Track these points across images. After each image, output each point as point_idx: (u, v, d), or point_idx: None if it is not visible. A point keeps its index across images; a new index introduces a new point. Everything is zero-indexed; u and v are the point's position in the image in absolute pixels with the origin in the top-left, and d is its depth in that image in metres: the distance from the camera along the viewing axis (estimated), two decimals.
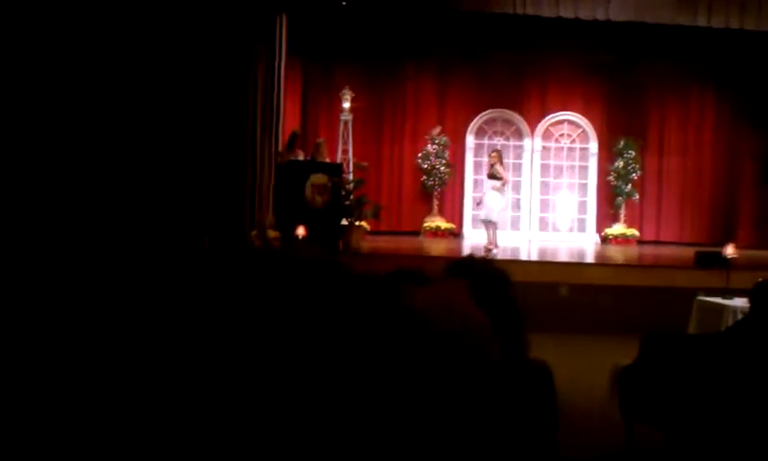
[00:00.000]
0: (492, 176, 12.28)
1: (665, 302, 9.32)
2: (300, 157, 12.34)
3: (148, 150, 10.24)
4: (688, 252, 11.81)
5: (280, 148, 12.41)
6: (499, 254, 11.63)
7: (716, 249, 10.24)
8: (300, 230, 10.02)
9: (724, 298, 7.90)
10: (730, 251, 8.87)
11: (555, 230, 15.71)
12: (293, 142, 12.43)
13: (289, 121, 13.88)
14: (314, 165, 11.90)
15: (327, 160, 12.64)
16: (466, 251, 13.18)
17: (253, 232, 10.17)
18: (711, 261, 9.90)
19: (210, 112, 10.43)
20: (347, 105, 14.93)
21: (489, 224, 12.26)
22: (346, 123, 14.94)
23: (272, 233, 10.13)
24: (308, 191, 11.24)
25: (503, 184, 12.29)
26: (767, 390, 3.30)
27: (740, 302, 7.33)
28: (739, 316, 6.94)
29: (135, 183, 10.13)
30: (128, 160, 10.19)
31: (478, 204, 12.82)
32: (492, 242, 12.14)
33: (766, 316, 3.76)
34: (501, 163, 12.42)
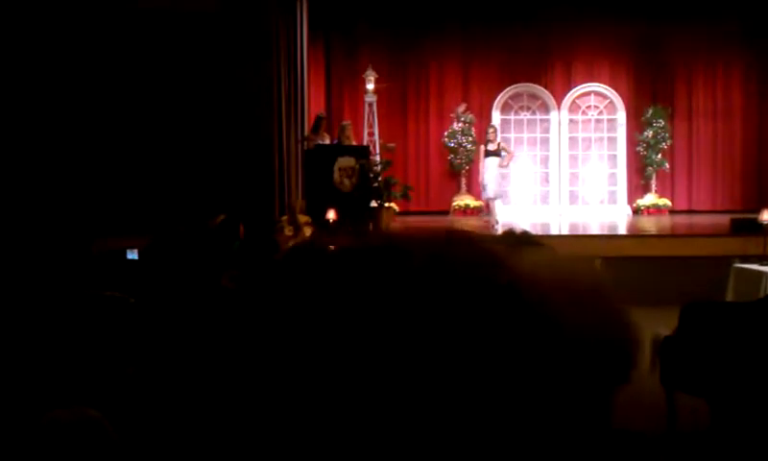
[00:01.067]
0: (497, 153, 12.28)
1: (701, 271, 9.22)
2: (327, 141, 12.34)
3: (174, 138, 10.31)
4: (723, 219, 11.67)
5: (306, 132, 12.43)
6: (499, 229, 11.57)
7: (751, 215, 10.10)
8: (331, 214, 10.04)
9: (761, 264, 7.80)
10: (766, 216, 8.73)
11: (585, 203, 15.57)
12: (318, 126, 12.44)
13: (313, 105, 13.88)
14: (341, 149, 11.90)
15: (353, 143, 12.63)
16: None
17: (284, 217, 10.21)
18: (747, 228, 9.77)
19: (235, 99, 10.46)
20: (371, 86, 14.88)
21: (491, 200, 12.31)
22: (370, 104, 14.90)
23: (302, 218, 10.16)
24: (336, 175, 11.25)
25: (510, 159, 12.62)
26: None
27: None
28: None
29: (164, 172, 10.22)
30: (156, 149, 10.27)
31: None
32: (494, 218, 12.11)
33: None
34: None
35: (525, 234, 2.15)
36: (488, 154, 12.39)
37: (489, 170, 12.28)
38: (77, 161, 10.22)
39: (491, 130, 12.95)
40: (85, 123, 10.31)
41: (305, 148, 12.07)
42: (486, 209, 12.96)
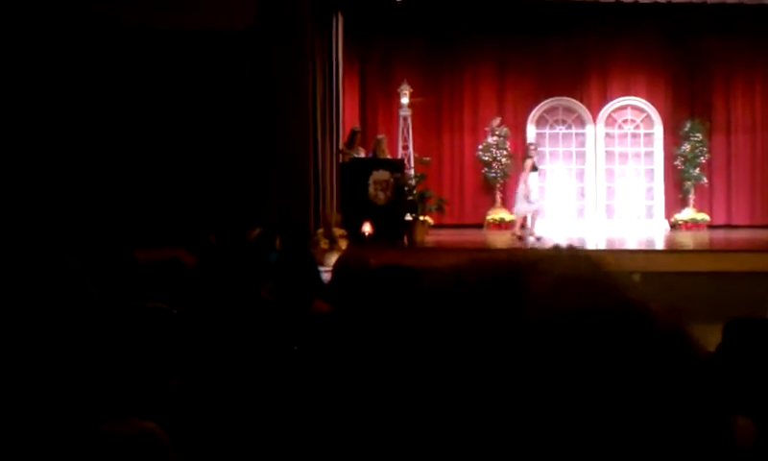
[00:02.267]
0: (536, 167, 12.91)
1: (741, 286, 9.08)
2: (362, 155, 12.39)
3: (213, 152, 10.42)
4: (762, 234, 11.50)
5: (341, 146, 12.49)
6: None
7: None
8: (367, 227, 10.06)
9: None
10: None
11: (622, 217, 15.42)
12: (353, 140, 12.50)
13: (348, 119, 13.95)
14: (376, 162, 11.95)
15: (388, 156, 12.66)
16: (530, 242, 13.05)
17: (320, 230, 10.26)
18: None
19: (272, 114, 10.55)
20: (405, 100, 14.92)
21: (535, 213, 12.90)
22: (405, 118, 14.93)
23: (338, 231, 10.19)
24: (371, 188, 11.28)
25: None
26: None
27: None
28: None
29: (203, 185, 10.33)
30: (195, 162, 10.40)
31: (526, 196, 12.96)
32: (534, 232, 12.64)
33: None
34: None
35: (573, 249, 2.12)
36: (534, 168, 12.81)
37: (535, 183, 12.65)
38: (120, 171, 10.38)
39: (533, 145, 13.51)
40: (127, 136, 10.48)
41: (340, 161, 12.13)
42: (521, 223, 13.01)
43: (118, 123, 10.48)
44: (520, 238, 12.48)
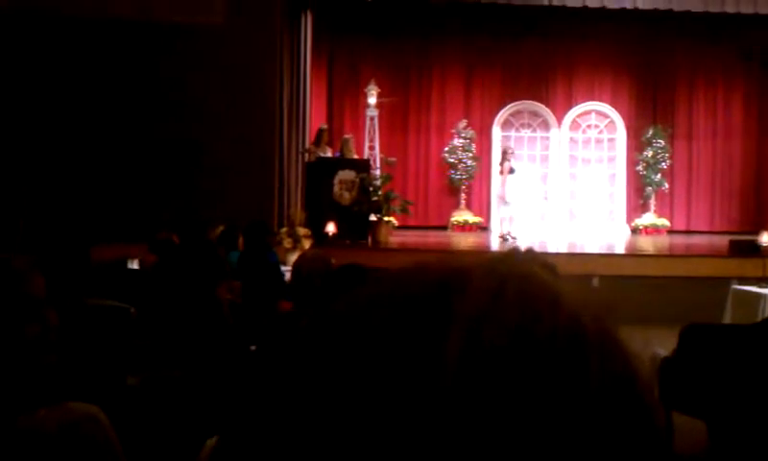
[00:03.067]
0: (513, 170, 13.15)
1: (699, 291, 9.23)
2: (328, 154, 12.36)
3: (174, 147, 10.33)
4: (721, 240, 11.69)
5: (308, 144, 12.45)
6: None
7: (750, 237, 10.12)
8: (331, 227, 10.05)
9: (760, 286, 7.81)
10: (764, 238, 8.76)
11: (584, 221, 15.59)
12: (320, 138, 12.47)
13: (315, 118, 13.91)
14: (342, 162, 11.92)
15: (355, 156, 12.66)
16: (494, 244, 13.15)
17: (284, 229, 10.21)
18: (746, 250, 9.79)
19: (237, 110, 10.49)
20: (372, 100, 14.93)
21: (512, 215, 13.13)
22: (372, 118, 14.94)
23: (302, 230, 10.16)
24: (336, 188, 11.27)
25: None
26: None
27: None
28: None
29: (163, 181, 10.23)
30: (155, 157, 10.29)
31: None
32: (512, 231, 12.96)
33: None
34: None
35: (531, 252, 2.15)
36: (511, 171, 13.16)
37: (512, 186, 13.07)
38: (74, 168, 10.24)
39: (511, 149, 13.81)
40: (83, 132, 10.34)
41: (306, 160, 12.09)
42: (501, 224, 13.39)
43: (80, 119, 10.34)
44: (504, 239, 12.77)
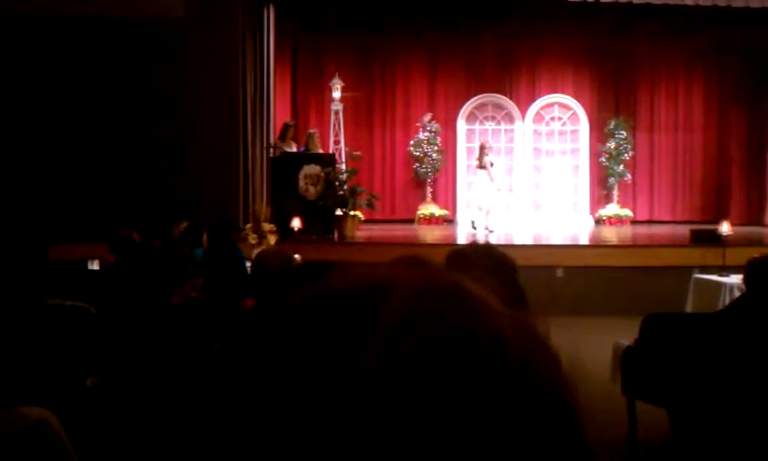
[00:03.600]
0: (491, 164, 13.37)
1: (662, 281, 9.35)
2: (293, 149, 12.30)
3: (137, 143, 10.22)
4: (683, 230, 11.85)
5: (272, 140, 12.38)
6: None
7: (710, 226, 10.27)
8: (296, 222, 10.01)
9: (720, 275, 7.93)
10: (724, 228, 8.90)
11: (548, 213, 15.72)
12: (285, 133, 12.39)
13: (280, 112, 13.84)
14: (306, 156, 11.87)
15: (320, 151, 12.61)
16: (461, 237, 13.21)
17: (249, 225, 10.15)
18: (707, 239, 9.93)
19: (200, 106, 10.40)
20: (337, 94, 14.90)
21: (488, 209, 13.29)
22: (336, 112, 14.91)
23: (267, 226, 10.11)
24: (302, 182, 11.22)
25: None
26: (764, 367, 3.32)
27: (736, 279, 7.36)
28: (736, 293, 6.97)
29: (127, 177, 10.11)
30: (119, 154, 10.17)
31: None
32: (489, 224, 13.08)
33: (761, 293, 3.78)
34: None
35: (488, 245, 2.16)
36: (491, 165, 13.43)
37: (486, 182, 13.28)
38: (35, 167, 10.08)
39: (489, 144, 14.01)
40: (44, 130, 10.18)
41: (271, 156, 12.02)
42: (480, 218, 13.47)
43: (39, 117, 10.17)
44: (490, 230, 12.95)
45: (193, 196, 9.87)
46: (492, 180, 13.36)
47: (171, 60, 10.37)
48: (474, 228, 13.06)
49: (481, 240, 11.41)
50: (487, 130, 15.89)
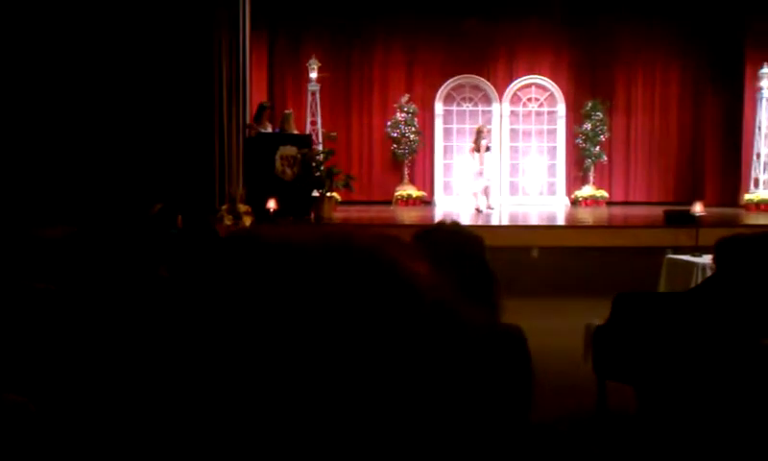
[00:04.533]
0: (488, 147, 13.70)
1: (636, 261, 9.44)
2: (269, 130, 12.24)
3: (112, 125, 10.12)
4: (657, 211, 11.95)
5: (248, 121, 12.31)
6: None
7: (684, 207, 10.37)
8: (272, 204, 9.98)
9: (693, 255, 8.01)
10: (697, 209, 8.98)
11: (525, 194, 15.79)
12: (261, 114, 12.33)
13: (256, 93, 13.75)
14: (283, 137, 11.82)
15: (296, 132, 12.57)
16: (438, 217, 13.25)
17: (224, 206, 10.12)
18: (680, 220, 10.03)
19: (175, 86, 10.31)
20: (314, 75, 14.83)
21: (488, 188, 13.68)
22: (313, 93, 14.85)
23: (242, 207, 10.08)
24: (278, 164, 11.19)
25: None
26: (732, 346, 3.37)
27: (708, 259, 7.43)
28: (708, 272, 7.05)
29: (101, 157, 10.03)
30: (93, 136, 10.07)
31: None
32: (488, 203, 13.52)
33: (729, 272, 3.83)
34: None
35: (456, 225, 2.18)
36: (488, 149, 13.70)
37: (488, 162, 13.67)
38: (10, 149, 9.96)
39: (486, 128, 14.26)
40: (21, 111, 10.05)
41: (247, 136, 11.96)
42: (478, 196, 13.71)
43: (12, 98, 10.03)
44: (479, 211, 13.21)
45: (168, 178, 9.80)
46: (481, 163, 13.52)
47: (145, 40, 10.26)
48: (480, 211, 13.24)
49: (448, 220, 11.48)
50: (464, 111, 15.91)
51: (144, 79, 10.21)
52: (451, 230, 2.06)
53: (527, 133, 15.97)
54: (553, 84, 15.94)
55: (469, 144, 14.18)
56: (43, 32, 10.11)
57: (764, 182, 14.31)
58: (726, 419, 3.34)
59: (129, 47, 10.19)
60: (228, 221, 9.64)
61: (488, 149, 13.72)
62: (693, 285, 7.12)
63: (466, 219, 12.08)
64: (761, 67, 14.35)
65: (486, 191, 13.63)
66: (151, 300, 3.56)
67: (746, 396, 2.94)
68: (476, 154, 13.59)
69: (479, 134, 13.78)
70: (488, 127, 14.46)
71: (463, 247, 1.93)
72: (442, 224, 2.10)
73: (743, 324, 3.50)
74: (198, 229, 6.62)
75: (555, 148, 15.94)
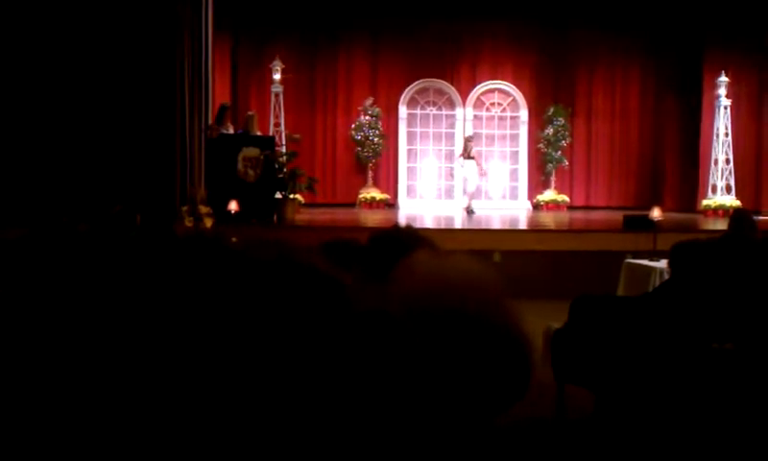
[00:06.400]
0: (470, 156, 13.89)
1: (596, 265, 9.53)
2: (231, 131, 12.15)
3: (71, 125, 9.97)
4: (617, 216, 12.09)
5: (210, 122, 12.20)
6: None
7: (643, 212, 10.50)
8: (233, 205, 9.90)
9: (651, 260, 8.11)
10: (656, 214, 9.10)
11: (488, 198, 15.89)
12: (222, 115, 12.23)
13: (219, 94, 13.65)
14: (246, 138, 11.74)
15: (259, 134, 12.49)
16: (402, 220, 13.25)
17: (185, 208, 10.01)
18: (639, 224, 10.15)
19: (135, 85, 10.18)
20: (277, 76, 14.76)
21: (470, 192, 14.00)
22: (277, 95, 14.78)
23: (203, 209, 9.98)
24: (240, 165, 11.11)
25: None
26: (685, 349, 3.41)
27: (666, 263, 7.53)
28: (665, 276, 7.14)
29: (60, 158, 9.87)
30: (50, 136, 9.91)
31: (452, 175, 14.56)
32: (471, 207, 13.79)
33: (684, 277, 3.88)
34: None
35: (410, 229, 2.18)
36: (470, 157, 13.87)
37: (470, 168, 13.81)
38: None
39: (472, 137, 14.66)
40: None
41: (208, 137, 11.85)
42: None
43: None
44: (469, 212, 13.50)
45: (129, 179, 9.68)
46: (479, 166, 13.96)
47: (106, 39, 10.12)
48: (473, 212, 13.50)
49: (402, 223, 11.54)
50: (428, 115, 15.96)
51: (104, 78, 10.07)
52: (404, 234, 2.06)
53: (490, 138, 16.07)
54: (516, 89, 16.07)
55: (440, 149, 14.26)
56: (6, 35, 9.93)
57: (722, 189, 14.56)
58: (679, 423, 3.38)
59: (89, 45, 10.05)
60: (188, 222, 9.54)
61: (469, 156, 14.02)
62: (651, 289, 7.21)
63: (430, 222, 12.12)
64: (719, 76, 14.60)
65: (472, 195, 13.98)
66: (108, 299, 3.50)
67: (698, 400, 2.97)
68: (467, 161, 13.84)
69: (469, 142, 14.09)
70: (471, 135, 14.75)
71: (415, 249, 1.93)
72: (395, 227, 2.10)
73: (696, 328, 3.54)
74: (157, 231, 6.53)
75: (517, 152, 16.07)
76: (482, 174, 14.20)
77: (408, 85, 15.89)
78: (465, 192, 14.18)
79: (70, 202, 9.09)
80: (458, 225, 12.32)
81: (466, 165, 13.95)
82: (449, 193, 15.82)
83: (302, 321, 0.58)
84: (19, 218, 8.35)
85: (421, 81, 15.91)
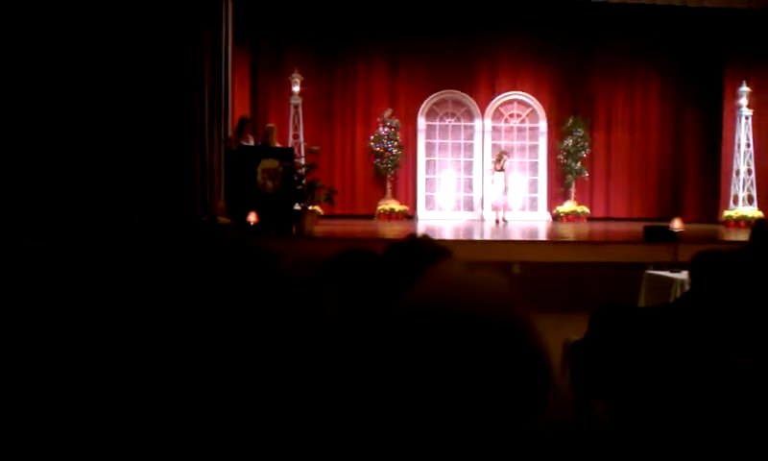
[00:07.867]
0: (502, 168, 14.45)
1: (616, 277, 9.46)
2: (251, 143, 12.22)
3: (94, 138, 10.07)
4: (637, 227, 12.01)
5: (230, 134, 12.28)
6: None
7: (664, 223, 10.42)
8: (252, 217, 9.94)
9: (672, 271, 8.05)
10: (677, 225, 9.02)
11: (507, 209, 15.82)
12: (242, 128, 12.31)
13: (238, 107, 13.74)
14: (265, 150, 11.80)
15: (278, 145, 12.55)
16: (419, 231, 13.24)
17: (205, 219, 10.06)
18: (659, 236, 10.07)
19: (156, 98, 10.28)
20: (296, 89, 14.83)
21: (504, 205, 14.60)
22: (296, 107, 14.84)
23: (223, 220, 10.03)
24: (259, 177, 11.15)
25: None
26: (707, 361, 3.37)
27: (687, 274, 7.46)
28: (686, 288, 7.08)
29: (83, 170, 9.97)
30: (75, 148, 10.01)
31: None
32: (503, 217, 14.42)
33: (705, 288, 3.85)
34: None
35: (426, 239, 2.18)
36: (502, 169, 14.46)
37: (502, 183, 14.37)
38: None
39: (506, 150, 15.18)
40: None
41: (228, 149, 11.93)
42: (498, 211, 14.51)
43: None
44: (498, 223, 14.07)
45: (149, 190, 9.75)
46: (505, 180, 14.44)
47: (127, 51, 10.23)
48: (505, 221, 14.13)
49: (419, 233, 11.55)
50: (447, 126, 15.96)
51: (126, 91, 10.17)
52: (420, 244, 2.05)
53: (509, 149, 16.03)
54: (535, 100, 16.03)
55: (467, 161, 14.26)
56: (27, 45, 10.05)
57: (743, 199, 14.43)
58: (701, 436, 3.34)
59: (112, 60, 10.16)
60: None
61: (502, 169, 14.46)
62: (672, 300, 7.15)
63: (448, 233, 12.10)
64: (741, 85, 14.49)
65: (506, 206, 14.54)
66: (130, 304, 3.53)
67: (720, 413, 2.94)
68: (497, 173, 14.38)
69: (502, 155, 14.54)
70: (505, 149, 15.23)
71: (431, 259, 1.92)
72: (411, 237, 2.10)
73: (718, 340, 3.51)
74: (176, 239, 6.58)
75: (537, 164, 16.01)
76: (506, 188, 14.50)
77: (427, 97, 15.90)
78: (496, 205, 14.56)
79: (91, 213, 9.17)
80: (477, 236, 12.28)
81: (496, 178, 14.36)
82: (468, 204, 15.79)
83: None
84: (41, 229, 8.43)
85: (440, 92, 15.92)
